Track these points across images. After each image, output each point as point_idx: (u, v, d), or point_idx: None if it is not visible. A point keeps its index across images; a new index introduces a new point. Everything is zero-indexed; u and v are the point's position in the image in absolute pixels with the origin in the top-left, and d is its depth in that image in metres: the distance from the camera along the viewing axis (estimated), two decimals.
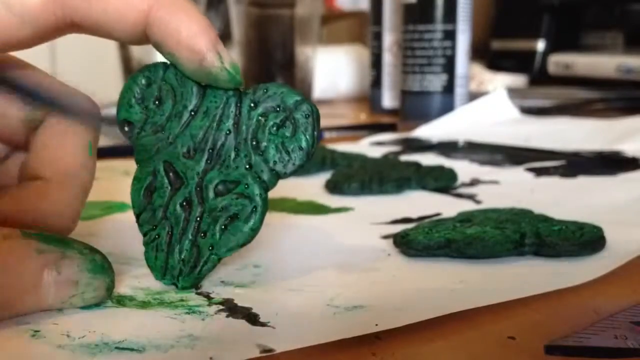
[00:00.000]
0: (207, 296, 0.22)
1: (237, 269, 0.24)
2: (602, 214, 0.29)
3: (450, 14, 0.61)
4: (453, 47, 0.62)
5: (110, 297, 0.21)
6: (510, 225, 0.25)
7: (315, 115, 0.22)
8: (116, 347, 0.18)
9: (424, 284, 0.23)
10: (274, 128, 0.22)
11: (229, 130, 0.22)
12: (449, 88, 0.63)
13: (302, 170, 0.39)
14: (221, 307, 0.21)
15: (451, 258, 0.25)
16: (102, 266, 0.20)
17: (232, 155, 0.22)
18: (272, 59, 0.73)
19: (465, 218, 0.27)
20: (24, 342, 0.18)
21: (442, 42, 0.62)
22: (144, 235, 0.22)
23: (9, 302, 0.18)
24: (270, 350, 0.18)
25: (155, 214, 0.22)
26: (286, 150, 0.22)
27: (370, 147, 0.51)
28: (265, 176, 0.22)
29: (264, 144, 0.22)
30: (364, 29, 0.86)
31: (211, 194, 0.22)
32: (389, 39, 0.72)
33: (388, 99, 0.73)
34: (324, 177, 0.39)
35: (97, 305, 0.20)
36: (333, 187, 0.36)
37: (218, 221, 0.22)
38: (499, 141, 0.51)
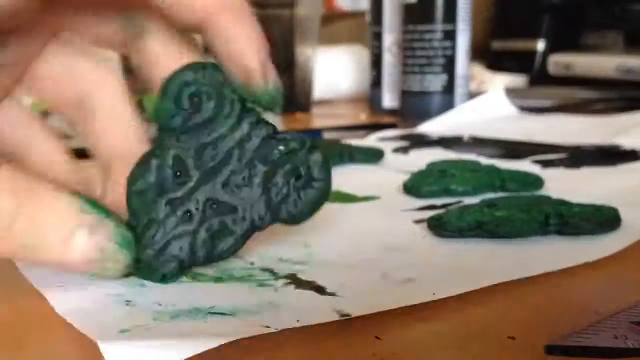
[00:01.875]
0: (272, 272, 0.23)
1: (290, 247, 0.26)
2: (613, 198, 0.31)
3: (450, 14, 0.61)
4: (453, 47, 0.62)
5: (125, 273, 0.21)
6: (535, 207, 0.27)
7: (327, 167, 0.22)
8: (209, 312, 0.19)
9: (463, 260, 0.24)
10: (290, 174, 0.22)
11: (248, 158, 0.22)
12: (449, 88, 0.63)
13: None
14: (287, 280, 0.22)
15: (481, 239, 0.26)
16: (129, 242, 0.21)
17: (241, 183, 0.22)
18: (272, 59, 0.73)
19: (490, 203, 0.28)
20: (122, 309, 0.20)
21: (442, 42, 0.62)
22: (131, 221, 0.22)
23: (37, 247, 0.19)
24: (347, 315, 0.19)
25: (146, 207, 0.22)
26: (294, 200, 0.22)
27: (377, 142, 0.52)
28: (263, 217, 0.22)
29: (275, 188, 0.22)
30: (364, 29, 0.86)
31: (200, 206, 0.22)
32: (389, 39, 0.72)
33: (388, 99, 0.73)
34: (343, 169, 0.41)
35: (173, 280, 0.22)
36: None
37: (193, 234, 0.22)
38: (502, 136, 0.52)
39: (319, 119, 0.72)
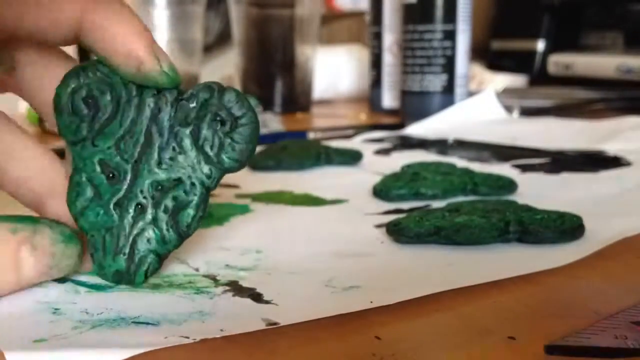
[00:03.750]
0: (214, 278, 0.23)
1: (241, 253, 0.25)
2: (583, 206, 0.30)
3: (450, 14, 0.61)
4: (453, 47, 0.62)
5: (80, 262, 0.21)
6: (495, 214, 0.27)
7: (244, 101, 0.22)
8: (133, 322, 0.19)
9: (415, 267, 0.24)
10: (213, 124, 0.22)
11: (168, 129, 0.22)
12: (449, 88, 0.63)
13: (297, 165, 0.41)
14: (227, 287, 0.22)
15: (440, 245, 0.26)
16: (71, 235, 0.21)
17: (173, 154, 0.22)
18: (272, 59, 0.73)
19: (454, 208, 0.28)
20: (46, 317, 0.19)
21: (442, 42, 0.62)
22: (86, 234, 0.22)
23: None
24: (275, 324, 0.19)
25: (95, 216, 0.22)
26: (230, 144, 0.22)
27: (362, 144, 0.52)
28: (208, 173, 0.22)
29: (207, 142, 0.22)
30: (364, 29, 0.86)
31: (148, 193, 0.22)
32: (389, 39, 0.72)
33: (388, 99, 0.73)
34: (319, 171, 0.41)
35: (111, 287, 0.22)
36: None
37: (155, 220, 0.22)
38: (487, 140, 0.52)
39: (318, 119, 0.72)
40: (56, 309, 0.20)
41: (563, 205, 0.29)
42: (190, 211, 0.22)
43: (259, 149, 0.37)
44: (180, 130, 0.22)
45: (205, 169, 0.22)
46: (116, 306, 0.20)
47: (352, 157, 0.44)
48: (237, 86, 0.76)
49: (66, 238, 0.21)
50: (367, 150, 0.47)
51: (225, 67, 0.92)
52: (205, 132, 0.22)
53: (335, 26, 1.09)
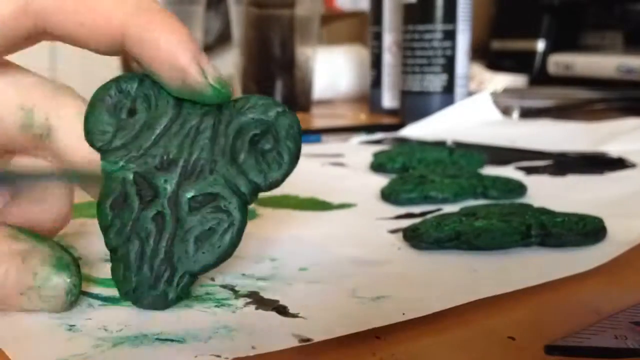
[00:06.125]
0: (232, 289, 0.22)
1: (255, 261, 0.25)
2: (599, 207, 0.30)
3: (450, 14, 0.61)
4: (453, 47, 0.62)
5: (70, 304, 0.19)
6: (515, 217, 0.26)
7: (296, 128, 0.21)
8: (156, 339, 0.18)
9: (438, 274, 0.23)
10: (254, 140, 0.21)
11: (206, 142, 0.21)
12: (449, 88, 0.63)
13: None
14: (248, 299, 0.21)
15: (459, 250, 0.25)
16: (67, 266, 0.19)
17: (209, 168, 0.21)
18: (272, 59, 0.73)
19: (469, 212, 0.27)
20: (62, 335, 0.18)
21: (442, 42, 0.62)
22: (112, 251, 0.20)
23: None
24: (307, 340, 0.18)
25: (124, 229, 0.20)
26: (267, 163, 0.21)
27: (358, 145, 0.52)
28: (244, 189, 0.21)
29: (243, 156, 0.21)
30: (364, 29, 0.86)
31: (185, 208, 0.20)
32: (389, 39, 0.72)
33: (388, 99, 0.73)
34: (320, 173, 0.41)
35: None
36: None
37: (192, 237, 0.20)
38: (486, 141, 0.51)
39: (319, 119, 0.72)
40: (71, 325, 0.19)
41: (577, 208, 0.28)
42: (226, 227, 0.20)
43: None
44: (221, 145, 0.21)
45: (242, 186, 0.20)
46: (135, 322, 0.19)
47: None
48: (237, 86, 0.76)
49: (58, 264, 0.19)
50: (366, 152, 0.47)
51: (225, 67, 0.92)
52: (246, 151, 0.21)
53: (335, 26, 1.09)
